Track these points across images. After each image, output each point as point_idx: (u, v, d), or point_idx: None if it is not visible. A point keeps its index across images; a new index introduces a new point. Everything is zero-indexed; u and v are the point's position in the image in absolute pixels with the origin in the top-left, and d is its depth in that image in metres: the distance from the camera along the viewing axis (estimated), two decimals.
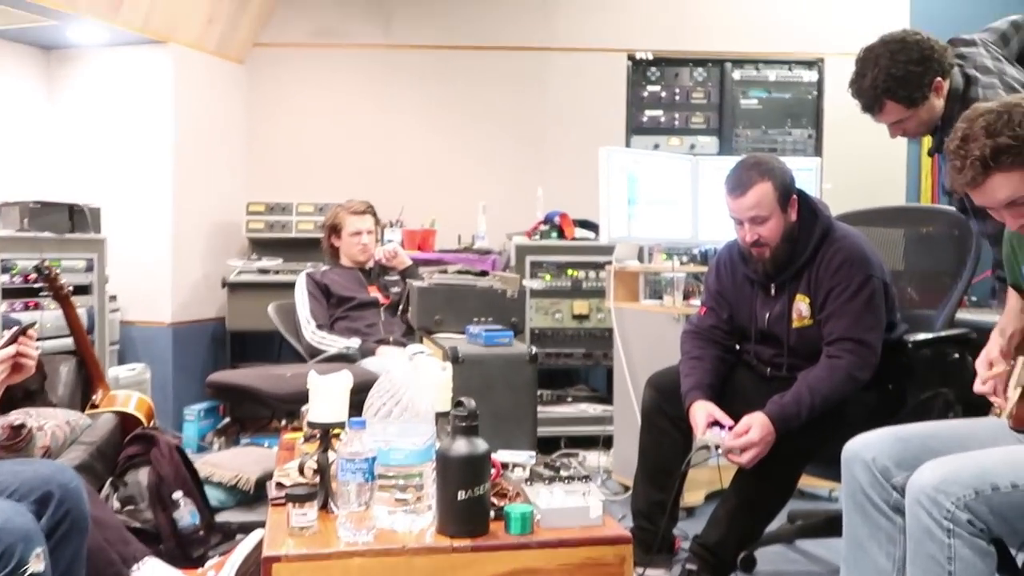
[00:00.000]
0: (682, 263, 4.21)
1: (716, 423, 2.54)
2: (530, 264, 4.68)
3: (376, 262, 4.12)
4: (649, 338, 3.68)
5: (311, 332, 3.78)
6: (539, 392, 4.48)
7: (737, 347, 2.85)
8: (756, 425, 2.45)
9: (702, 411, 2.58)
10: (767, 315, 2.71)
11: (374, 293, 4.02)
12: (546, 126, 5.61)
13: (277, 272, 4.93)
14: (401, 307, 3.86)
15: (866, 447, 2.01)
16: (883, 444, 2.00)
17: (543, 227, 4.81)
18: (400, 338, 3.86)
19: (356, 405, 1.97)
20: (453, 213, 5.28)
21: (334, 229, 4.07)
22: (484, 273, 3.54)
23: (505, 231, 5.03)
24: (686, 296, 3.70)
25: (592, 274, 4.70)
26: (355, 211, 4.03)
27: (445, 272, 3.54)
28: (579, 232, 4.83)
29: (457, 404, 1.82)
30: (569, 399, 4.80)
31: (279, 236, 5.14)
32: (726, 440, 2.47)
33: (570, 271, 4.71)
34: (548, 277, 4.69)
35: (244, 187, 5.53)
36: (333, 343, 3.74)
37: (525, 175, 5.56)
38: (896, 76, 2.46)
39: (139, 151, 4.89)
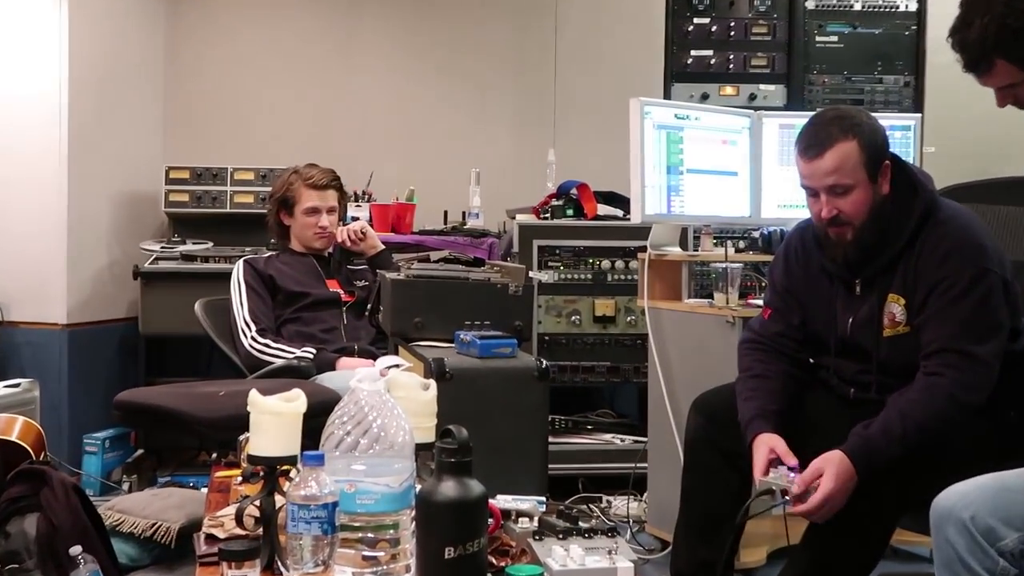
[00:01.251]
0: (738, 250, 4.19)
1: (781, 461, 2.54)
2: (538, 250, 4.68)
3: (337, 246, 4.13)
4: (695, 349, 3.67)
5: (251, 338, 3.78)
6: (551, 418, 4.49)
7: (811, 361, 2.85)
8: (830, 469, 2.44)
9: (764, 447, 2.58)
10: (850, 320, 2.71)
11: (334, 288, 4.02)
12: (559, 71, 5.60)
13: (206, 259, 4.93)
14: (370, 306, 3.86)
15: (963, 502, 1.99)
16: (984, 497, 1.98)
17: (555, 202, 4.80)
18: (368, 347, 3.86)
19: (311, 434, 1.96)
20: (437, 183, 5.29)
21: (284, 203, 4.06)
22: (478, 262, 3.54)
23: (505, 206, 5.03)
24: (744, 294, 3.69)
25: (620, 264, 4.69)
26: (314, 183, 4.03)
27: (427, 260, 3.53)
28: (602, 209, 4.83)
29: (444, 434, 1.82)
30: (590, 427, 4.80)
31: (209, 211, 5.14)
32: (793, 488, 2.46)
33: (591, 260, 4.71)
34: (562, 267, 4.69)
35: (163, 148, 5.53)
36: (280, 352, 3.74)
37: (532, 134, 5.55)
38: (1013, 29, 2.44)
39: (21, 101, 4.87)
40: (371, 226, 4.43)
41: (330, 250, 4.13)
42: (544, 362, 3.08)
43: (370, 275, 4.07)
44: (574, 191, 4.82)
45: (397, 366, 2.14)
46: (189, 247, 5.03)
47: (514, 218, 4.80)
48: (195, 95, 5.59)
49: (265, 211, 4.24)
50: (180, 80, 5.58)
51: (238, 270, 3.95)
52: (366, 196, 5.12)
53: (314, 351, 3.73)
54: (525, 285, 3.41)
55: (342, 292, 4.01)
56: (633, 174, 3.73)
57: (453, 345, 3.21)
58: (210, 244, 5.07)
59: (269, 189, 4.40)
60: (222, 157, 5.27)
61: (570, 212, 4.78)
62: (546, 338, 4.65)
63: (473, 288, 3.38)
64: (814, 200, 2.66)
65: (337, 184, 4.09)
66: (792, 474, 2.50)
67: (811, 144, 2.62)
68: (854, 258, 2.67)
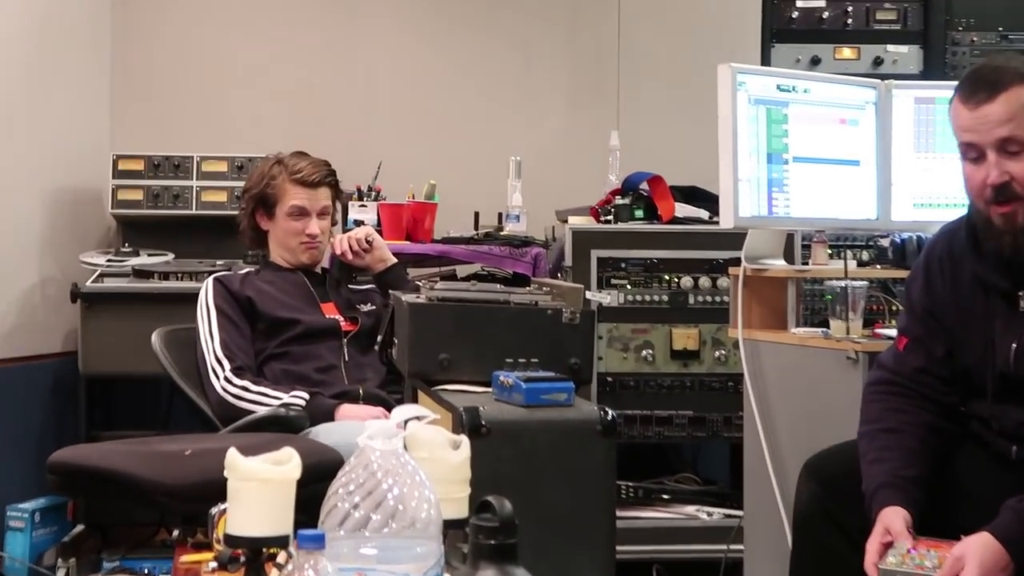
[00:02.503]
0: (862, 263, 4.17)
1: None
2: (598, 264, 4.67)
3: (335, 259, 4.14)
4: (806, 393, 3.65)
5: (224, 379, 3.78)
6: (618, 485, 4.47)
7: (962, 408, 2.84)
8: (973, 556, 2.43)
9: (880, 526, 2.59)
10: (1013, 346, 2.69)
11: (332, 314, 4.03)
12: (625, 29, 5.60)
13: (166, 276, 4.94)
14: (380, 338, 3.85)
15: None
16: None
17: (620, 200, 4.80)
18: (377, 391, 3.87)
19: (306, 506, 1.96)
20: (466, 176, 5.32)
21: (263, 202, 4.08)
22: (521, 280, 3.53)
23: (555, 206, 5.05)
24: (870, 321, 3.67)
25: (705, 282, 4.69)
26: (302, 178, 4.03)
27: (454, 278, 3.53)
28: (681, 209, 4.83)
29: (480, 507, 1.81)
30: (667, 497, 4.78)
31: (169, 213, 5.17)
32: None
33: (667, 276, 4.70)
34: (630, 286, 4.68)
35: (110, 131, 5.56)
36: (262, 398, 3.73)
37: (589, 112, 5.56)
38: None
39: None
40: (379, 233, 4.44)
41: (326, 264, 4.13)
42: (609, 412, 3.07)
43: (379, 297, 4.08)
44: (645, 186, 4.81)
45: (418, 418, 2.14)
46: (143, 260, 5.05)
47: (566, 221, 4.81)
48: (152, 63, 5.62)
49: (238, 213, 4.24)
50: (133, 44, 5.61)
51: (207, 291, 3.95)
52: (373, 193, 5.12)
53: (307, 396, 3.73)
54: (583, 311, 3.40)
55: (342, 319, 4.02)
56: (722, 164, 3.72)
57: (490, 390, 3.20)
58: (170, 256, 5.10)
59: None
60: (186, 143, 5.30)
61: (639, 214, 4.78)
62: (609, 379, 4.65)
63: (515, 315, 3.37)
64: (975, 166, 2.63)
65: (332, 180, 4.11)
66: (914, 551, 2.49)
67: (979, 86, 2.61)
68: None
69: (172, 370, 3.94)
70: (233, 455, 1.97)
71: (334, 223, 4.19)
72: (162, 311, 4.45)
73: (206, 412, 3.84)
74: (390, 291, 3.87)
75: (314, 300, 4.03)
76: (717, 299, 4.65)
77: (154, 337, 3.98)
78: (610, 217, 4.78)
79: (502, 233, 5.01)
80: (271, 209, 4.07)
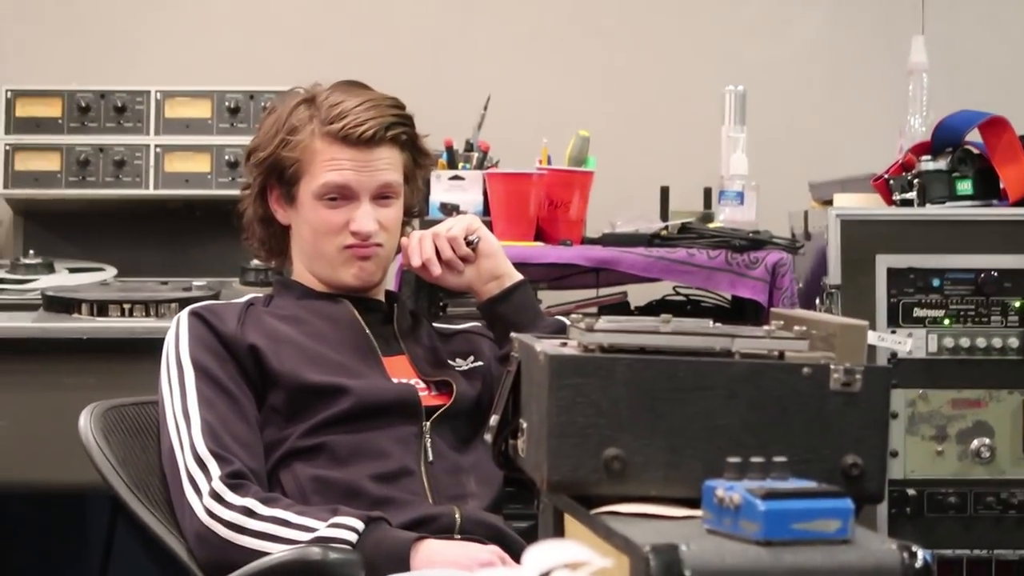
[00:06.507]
0: None
1: None
2: (891, 280, 4.67)
3: (407, 274, 4.18)
4: None
5: (211, 494, 3.77)
6: None
7: None
8: None
9: None
10: None
11: (402, 375, 4.04)
12: None
13: (102, 308, 4.95)
14: (494, 419, 3.82)
15: None
16: None
17: (929, 164, 4.82)
18: (488, 515, 3.87)
19: None
20: (641, 123, 5.41)
21: (278, 174, 4.06)
22: (745, 310, 3.46)
23: (807, 176, 5.11)
24: None
25: None
26: (345, 129, 3.99)
27: (626, 309, 3.46)
28: None
29: None
30: None
31: (106, 196, 5.26)
32: None
33: (1020, 303, 4.67)
34: (949, 322, 4.67)
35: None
36: (278, 529, 3.72)
37: (867, 4, 5.53)
38: None
39: None
40: (488, 227, 4.41)
41: (390, 286, 4.11)
42: (918, 553, 3.01)
43: (489, 345, 4.12)
44: (975, 137, 4.80)
45: (569, 567, 2.11)
46: (61, 279, 5.11)
47: (830, 203, 4.84)
48: None
49: (237, 194, 4.24)
50: None
51: (178, 336, 3.96)
52: (475, 156, 5.14)
53: (360, 525, 3.71)
54: (867, 369, 3.33)
55: (423, 385, 4.03)
56: None
57: (698, 513, 3.15)
58: (111, 273, 5.17)
59: (246, 142, 4.36)
60: (137, 69, 5.36)
61: (966, 187, 4.78)
62: (912, 493, 4.66)
63: (742, 376, 3.32)
64: None
65: (402, 133, 4.08)
66: None
67: None
68: None
69: (115, 478, 3.93)
70: None
71: (412, 214, 4.17)
72: (97, 372, 4.45)
73: (176, 553, 3.83)
74: (512, 334, 3.83)
75: (373, 351, 4.04)
76: None
77: (83, 420, 3.98)
78: (911, 195, 4.77)
79: (712, 226, 5.02)
80: (291, 188, 4.05)
